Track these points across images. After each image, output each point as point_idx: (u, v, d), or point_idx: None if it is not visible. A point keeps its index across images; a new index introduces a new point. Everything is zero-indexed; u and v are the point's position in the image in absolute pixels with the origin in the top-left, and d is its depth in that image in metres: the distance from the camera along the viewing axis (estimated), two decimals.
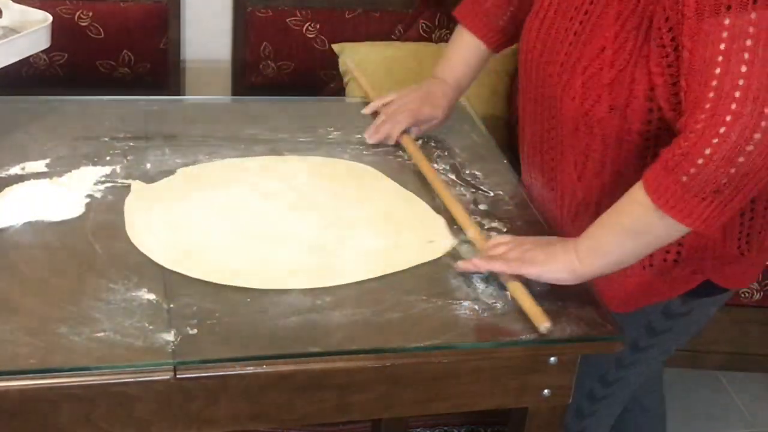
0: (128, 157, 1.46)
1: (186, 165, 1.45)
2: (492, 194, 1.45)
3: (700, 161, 1.07)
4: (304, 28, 2.74)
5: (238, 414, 1.12)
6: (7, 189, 1.34)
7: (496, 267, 1.22)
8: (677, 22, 1.12)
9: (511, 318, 1.18)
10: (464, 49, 1.58)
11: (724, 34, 1.06)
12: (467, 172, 1.51)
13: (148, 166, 1.44)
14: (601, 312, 1.20)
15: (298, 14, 2.73)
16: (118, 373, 1.05)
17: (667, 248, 1.27)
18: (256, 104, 1.80)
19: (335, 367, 1.11)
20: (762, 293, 2.15)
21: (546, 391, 1.20)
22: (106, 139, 1.51)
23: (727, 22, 1.06)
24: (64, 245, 1.25)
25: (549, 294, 1.22)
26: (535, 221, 1.39)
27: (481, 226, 1.36)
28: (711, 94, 1.07)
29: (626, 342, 1.36)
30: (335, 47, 2.69)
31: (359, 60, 2.61)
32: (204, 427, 1.11)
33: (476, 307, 1.19)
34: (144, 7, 2.65)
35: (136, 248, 1.24)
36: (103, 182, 1.39)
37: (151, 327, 1.10)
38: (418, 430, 2.20)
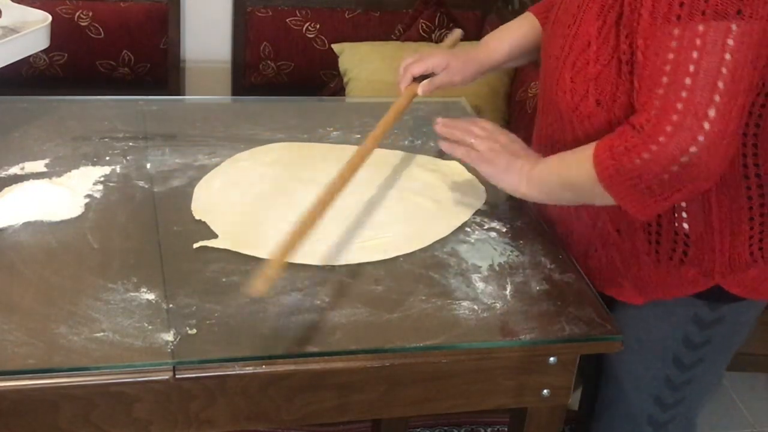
0: (128, 157, 1.46)
1: (186, 165, 1.45)
2: (492, 194, 1.45)
3: (637, 161, 1.12)
4: (304, 28, 2.74)
5: (237, 414, 1.11)
6: (6, 189, 1.34)
7: (458, 153, 1.33)
8: (634, 20, 1.15)
9: (511, 318, 1.18)
10: (518, 26, 1.53)
11: (673, 44, 1.09)
12: None
13: (148, 166, 1.44)
14: (601, 312, 1.20)
15: (298, 14, 2.73)
16: (117, 373, 1.05)
17: (673, 246, 1.28)
18: (256, 104, 1.80)
19: (335, 367, 1.11)
20: None
21: (545, 391, 1.20)
22: (106, 139, 1.51)
23: (676, 32, 1.09)
24: (63, 245, 1.24)
25: (549, 294, 1.22)
26: (535, 221, 1.39)
27: (481, 225, 1.36)
28: (656, 102, 1.11)
29: (670, 360, 1.36)
30: (335, 47, 2.70)
31: (359, 60, 2.61)
32: (203, 427, 1.11)
33: (476, 307, 1.19)
34: (144, 7, 2.65)
35: (135, 248, 1.24)
36: (102, 182, 1.39)
37: (150, 327, 1.10)
38: (418, 430, 2.19)
